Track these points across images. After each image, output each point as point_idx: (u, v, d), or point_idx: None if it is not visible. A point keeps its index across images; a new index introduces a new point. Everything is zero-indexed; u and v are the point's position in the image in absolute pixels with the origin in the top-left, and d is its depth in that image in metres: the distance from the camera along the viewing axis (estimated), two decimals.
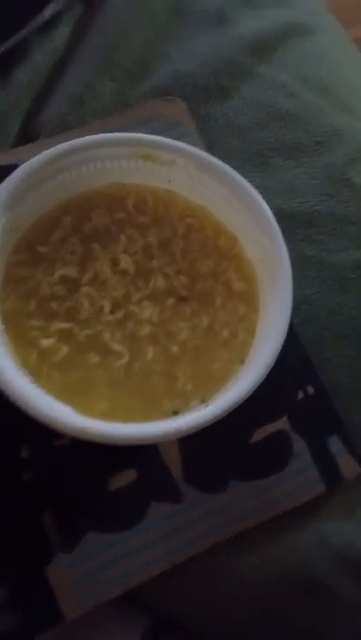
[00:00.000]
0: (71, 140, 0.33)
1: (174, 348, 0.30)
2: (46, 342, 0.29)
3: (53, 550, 0.31)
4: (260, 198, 0.31)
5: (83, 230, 0.31)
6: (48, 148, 0.33)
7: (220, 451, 0.33)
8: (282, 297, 0.29)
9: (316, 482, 0.33)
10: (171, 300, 0.30)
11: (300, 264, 0.37)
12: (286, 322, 0.29)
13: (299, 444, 0.33)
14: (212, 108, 0.38)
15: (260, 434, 0.33)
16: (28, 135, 0.38)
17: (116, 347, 0.29)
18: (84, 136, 0.34)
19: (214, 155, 0.33)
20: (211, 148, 0.37)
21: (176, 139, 0.33)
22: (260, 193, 0.30)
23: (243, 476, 0.33)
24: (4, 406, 0.26)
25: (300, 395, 0.34)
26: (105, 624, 0.33)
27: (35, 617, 0.30)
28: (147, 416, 0.29)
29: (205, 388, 0.29)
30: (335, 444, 0.34)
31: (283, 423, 0.33)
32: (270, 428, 0.33)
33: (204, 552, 0.31)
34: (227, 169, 0.31)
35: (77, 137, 0.34)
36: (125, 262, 0.31)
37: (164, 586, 0.32)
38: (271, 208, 0.30)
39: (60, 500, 0.31)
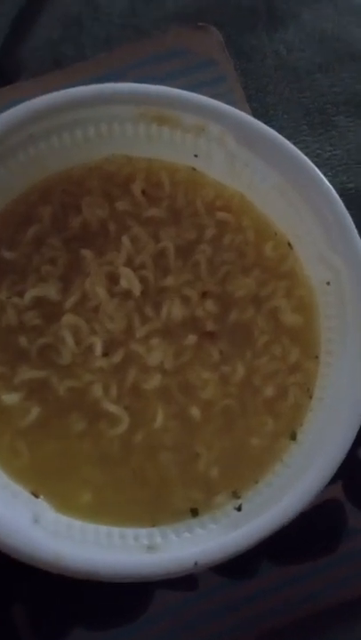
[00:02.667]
0: (62, 81, 0.29)
1: (194, 411, 0.25)
2: (10, 398, 0.24)
3: None
4: (333, 192, 0.25)
5: (68, 227, 0.26)
6: (31, 93, 0.27)
7: None
8: (359, 343, 0.24)
9: None
10: (192, 338, 0.25)
11: None
12: None
13: (355, 519, 0.29)
14: (258, 40, 0.33)
15: None
16: (7, 70, 0.33)
17: (111, 407, 0.24)
18: (80, 76, 0.30)
19: (258, 110, 0.31)
20: (253, 100, 0.32)
21: (207, 84, 0.30)
22: (320, 166, 0.26)
23: (280, 557, 0.28)
24: None
25: None
26: None
27: None
28: (151, 514, 0.24)
29: (238, 475, 0.24)
30: None
31: (336, 490, 0.29)
32: (320, 497, 0.27)
33: None
34: (283, 142, 0.25)
35: (71, 78, 0.29)
36: (127, 280, 0.25)
37: None
38: (334, 186, 0.26)
39: (35, 588, 0.27)
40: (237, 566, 0.27)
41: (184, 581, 0.27)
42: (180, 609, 0.27)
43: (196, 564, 0.21)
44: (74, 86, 0.27)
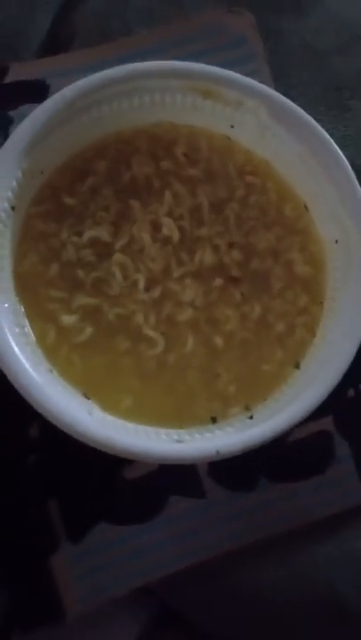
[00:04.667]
0: (111, 53, 0.30)
1: (218, 340, 0.27)
2: (68, 319, 0.26)
3: (59, 540, 0.29)
4: (346, 164, 0.26)
5: (120, 180, 0.27)
6: (83, 63, 0.30)
7: None
8: (359, 294, 0.25)
9: (356, 492, 0.30)
10: (218, 281, 0.27)
11: None
12: None
13: (342, 448, 0.30)
14: (285, 23, 0.33)
15: (300, 432, 0.30)
16: (60, 38, 0.33)
17: (150, 332, 0.26)
18: (125, 50, 0.31)
19: (280, 87, 0.31)
20: (277, 78, 0.33)
21: (239, 61, 0.31)
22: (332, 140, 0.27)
23: (276, 476, 0.30)
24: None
25: (351, 393, 0.31)
26: (100, 619, 0.31)
27: (34, 609, 0.29)
28: (178, 418, 0.26)
29: (251, 392, 0.26)
30: None
31: (327, 423, 0.30)
32: (312, 427, 0.30)
33: (222, 556, 0.29)
34: (308, 119, 0.27)
35: (117, 51, 0.31)
36: (169, 228, 0.27)
37: (172, 586, 0.30)
38: None
39: (69, 486, 0.29)
40: (240, 481, 0.30)
41: (194, 491, 0.30)
42: (190, 514, 0.29)
43: (217, 452, 0.23)
44: (121, 58, 0.28)
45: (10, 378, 0.23)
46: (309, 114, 0.27)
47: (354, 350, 0.25)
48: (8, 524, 0.29)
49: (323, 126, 0.27)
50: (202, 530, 0.30)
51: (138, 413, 0.25)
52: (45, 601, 0.29)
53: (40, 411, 0.23)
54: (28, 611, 0.29)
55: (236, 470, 0.30)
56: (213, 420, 0.26)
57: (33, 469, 0.29)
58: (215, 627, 0.31)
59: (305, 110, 0.27)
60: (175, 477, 0.30)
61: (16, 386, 0.23)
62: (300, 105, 0.27)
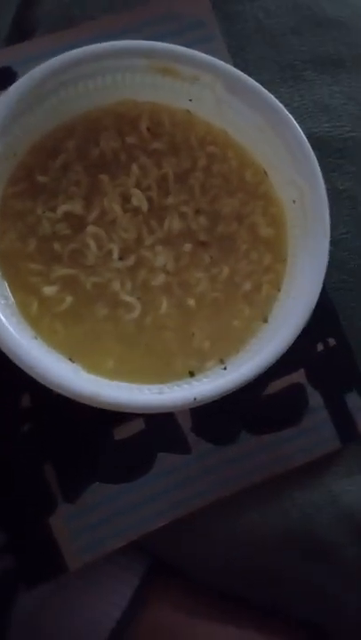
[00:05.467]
0: (74, 38, 0.30)
1: (190, 302, 0.28)
2: (49, 290, 0.27)
3: (56, 501, 0.30)
4: (299, 131, 0.27)
5: (89, 157, 0.28)
6: (47, 49, 0.30)
7: (231, 402, 0.30)
8: (318, 248, 0.26)
9: (330, 438, 0.32)
10: (188, 246, 0.28)
11: (329, 199, 0.32)
12: (321, 278, 0.26)
13: (315, 399, 0.32)
14: (240, 5, 0.34)
15: (274, 386, 0.32)
16: (25, 27, 0.34)
17: (127, 298, 0.27)
18: (89, 34, 0.31)
19: (239, 65, 0.32)
20: (235, 56, 0.33)
21: (197, 42, 0.31)
22: (290, 113, 0.28)
23: (254, 428, 0.31)
24: (2, 353, 0.25)
25: (320, 347, 0.32)
26: (103, 566, 0.32)
27: (37, 566, 0.30)
28: (159, 376, 0.27)
29: (224, 347, 0.28)
30: (353, 401, 0.32)
31: (299, 376, 0.32)
32: (286, 381, 0.32)
33: (210, 505, 0.31)
34: (262, 91, 0.28)
35: (81, 35, 0.31)
36: (137, 199, 0.28)
37: (165, 536, 0.31)
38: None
39: (62, 450, 0.30)
40: (222, 435, 0.31)
41: (180, 446, 0.31)
42: (177, 469, 0.31)
43: (195, 399, 0.25)
44: (83, 42, 0.28)
45: (5, 351, 0.24)
46: (266, 87, 0.28)
47: (314, 301, 0.26)
48: (8, 490, 0.30)
49: (279, 98, 0.28)
50: (190, 482, 0.31)
51: (120, 373, 0.27)
52: (47, 557, 0.30)
53: (29, 372, 0.24)
54: (31, 568, 0.30)
55: (217, 425, 0.32)
56: (191, 374, 0.27)
57: (27, 437, 0.30)
58: (208, 575, 0.33)
59: (262, 84, 0.28)
60: (162, 435, 0.31)
61: (5, 351, 0.24)
62: (257, 80, 0.28)
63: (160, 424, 0.31)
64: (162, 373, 0.27)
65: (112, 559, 0.32)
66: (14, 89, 0.26)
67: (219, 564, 0.32)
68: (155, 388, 0.26)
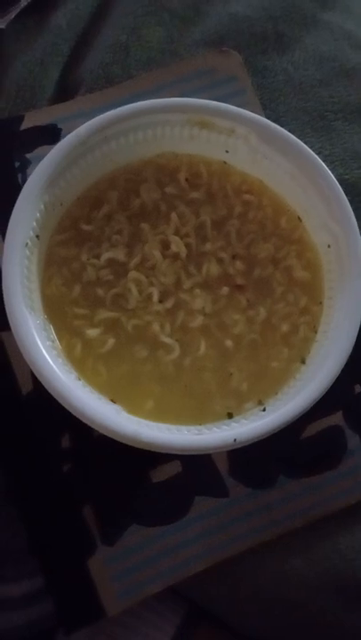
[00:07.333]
0: (114, 96, 0.32)
1: (228, 343, 0.28)
2: (92, 332, 0.28)
3: (95, 543, 0.30)
4: (331, 176, 0.28)
5: (130, 207, 0.30)
6: (89, 107, 0.32)
7: (269, 445, 0.30)
8: (354, 291, 0.27)
9: None
10: (225, 289, 0.29)
11: None
12: (358, 320, 0.27)
13: (353, 441, 0.32)
14: (270, 60, 0.36)
15: (312, 428, 0.32)
16: (68, 87, 0.35)
17: (166, 339, 0.28)
18: (128, 91, 0.33)
19: (271, 116, 0.33)
20: (267, 108, 0.35)
21: (230, 95, 0.33)
22: (321, 160, 0.28)
23: (293, 472, 0.31)
24: (44, 395, 0.25)
25: (358, 389, 0.32)
26: (140, 613, 0.32)
27: (75, 610, 0.30)
28: (197, 417, 0.27)
29: (262, 388, 0.28)
30: None
31: (337, 418, 0.32)
32: (324, 423, 0.32)
33: (248, 550, 0.30)
34: (293, 140, 0.29)
35: (121, 92, 0.33)
36: (176, 245, 0.29)
37: (204, 582, 0.31)
38: None
39: (101, 491, 0.30)
40: (259, 479, 0.31)
41: (218, 490, 0.31)
42: (214, 513, 0.30)
43: (235, 440, 0.25)
44: (123, 100, 0.30)
45: (45, 384, 0.25)
46: (298, 136, 0.29)
47: (352, 342, 0.26)
48: (47, 531, 0.31)
49: (311, 147, 0.29)
50: (227, 526, 0.31)
51: (160, 414, 0.27)
52: (86, 601, 0.30)
53: (74, 412, 0.25)
54: (70, 612, 0.30)
55: (255, 469, 0.31)
56: (230, 416, 0.27)
57: (67, 478, 0.31)
58: (246, 622, 0.32)
59: (294, 134, 0.29)
60: (199, 479, 0.31)
61: (51, 391, 0.25)
62: (288, 130, 0.29)
63: (197, 467, 0.31)
64: (200, 414, 0.27)
65: (149, 606, 0.32)
66: (61, 145, 0.27)
67: (258, 610, 0.32)
68: (194, 429, 0.27)
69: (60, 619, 0.30)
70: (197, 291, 0.29)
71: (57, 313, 0.28)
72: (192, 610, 0.33)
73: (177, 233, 0.29)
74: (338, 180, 0.28)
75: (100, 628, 0.31)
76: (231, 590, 0.31)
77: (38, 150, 0.32)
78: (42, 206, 0.27)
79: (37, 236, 0.27)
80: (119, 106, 0.28)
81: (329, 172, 0.28)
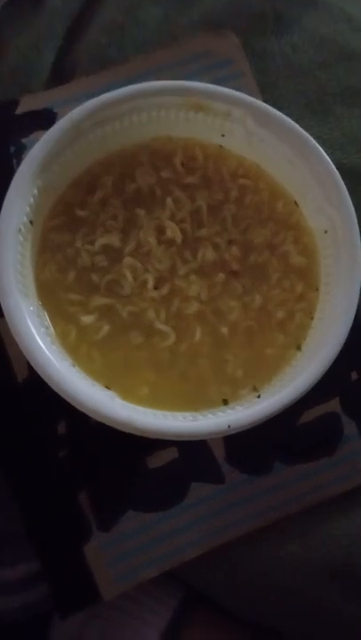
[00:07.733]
0: (110, 79, 0.32)
1: (224, 330, 0.28)
2: (87, 319, 0.28)
3: (90, 529, 0.30)
4: (329, 161, 0.28)
5: (126, 192, 0.29)
6: (85, 90, 0.31)
7: (265, 432, 0.30)
8: (350, 277, 0.26)
9: None
10: (221, 276, 0.29)
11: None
12: (354, 306, 0.26)
13: (350, 428, 0.32)
14: (268, 43, 0.35)
15: (309, 415, 0.31)
16: (64, 69, 0.35)
17: (161, 326, 0.28)
18: (124, 74, 0.32)
19: (269, 100, 0.32)
20: (265, 92, 0.34)
21: (227, 78, 0.32)
22: (319, 145, 0.28)
23: (289, 458, 0.31)
24: (39, 382, 0.25)
25: (354, 376, 0.32)
26: (137, 597, 0.33)
27: (71, 595, 0.30)
28: (193, 403, 0.27)
29: (257, 375, 0.28)
30: None
31: (334, 405, 0.32)
32: (320, 410, 0.32)
33: (244, 536, 0.31)
34: (290, 123, 0.28)
35: (117, 76, 0.33)
36: (172, 231, 0.29)
37: (200, 567, 0.31)
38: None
39: (97, 477, 0.30)
40: (256, 465, 0.31)
41: (214, 476, 0.31)
42: (211, 499, 0.30)
43: (229, 426, 0.24)
44: (119, 82, 0.30)
45: (39, 371, 0.25)
46: (296, 120, 0.29)
47: (348, 329, 0.26)
48: (43, 517, 0.31)
49: (309, 131, 0.28)
50: (223, 512, 0.31)
51: (155, 400, 0.27)
52: (81, 586, 0.30)
53: (67, 399, 0.25)
54: (66, 596, 0.30)
55: (251, 456, 0.31)
56: (225, 402, 0.27)
57: (63, 464, 0.31)
58: (242, 606, 0.32)
59: (292, 118, 0.28)
60: (195, 465, 0.31)
61: (45, 378, 0.25)
62: (286, 114, 0.29)
63: (194, 453, 0.31)
64: (196, 401, 0.27)
65: (146, 590, 0.32)
66: (54, 129, 0.27)
67: (254, 596, 0.32)
68: (189, 415, 0.27)
69: (56, 603, 0.30)
70: (193, 277, 0.28)
71: (51, 299, 0.28)
72: (189, 593, 0.33)
73: (172, 218, 0.29)
74: (336, 164, 0.28)
75: (96, 611, 0.31)
76: (227, 576, 0.32)
77: (34, 135, 0.32)
78: (35, 191, 0.27)
79: (31, 222, 0.27)
80: (115, 89, 0.28)
81: (326, 156, 0.28)
